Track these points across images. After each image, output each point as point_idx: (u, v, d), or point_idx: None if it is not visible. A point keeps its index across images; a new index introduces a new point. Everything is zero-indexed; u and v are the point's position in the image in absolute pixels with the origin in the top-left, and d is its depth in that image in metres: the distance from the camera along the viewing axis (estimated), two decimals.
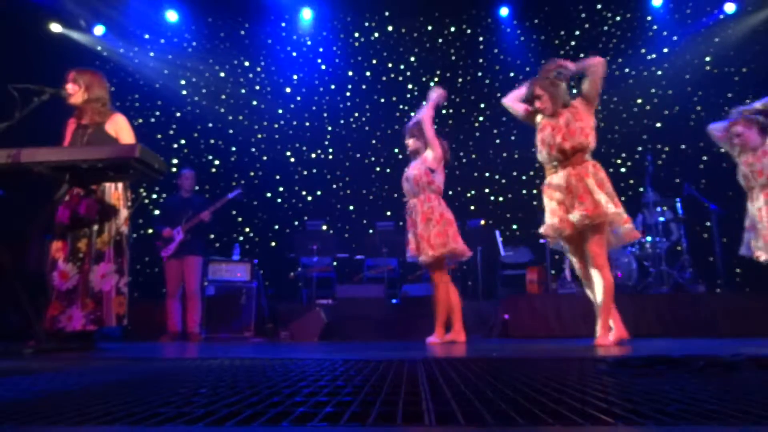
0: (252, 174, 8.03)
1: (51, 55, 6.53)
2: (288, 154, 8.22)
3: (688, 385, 1.09)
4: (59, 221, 3.14)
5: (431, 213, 3.86)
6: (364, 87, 8.29)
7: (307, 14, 8.17)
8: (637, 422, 0.73)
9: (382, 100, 8.23)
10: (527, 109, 3.46)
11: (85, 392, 1.11)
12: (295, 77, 8.29)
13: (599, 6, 8.01)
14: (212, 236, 6.94)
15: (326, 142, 8.30)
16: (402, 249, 4.15)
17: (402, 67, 8.34)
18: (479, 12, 8.30)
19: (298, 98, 8.26)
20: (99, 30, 7.58)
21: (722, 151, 4.29)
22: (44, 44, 6.82)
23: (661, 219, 5.91)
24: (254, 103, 8.22)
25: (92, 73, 3.38)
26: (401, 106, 8.23)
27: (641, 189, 6.38)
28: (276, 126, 8.24)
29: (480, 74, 8.32)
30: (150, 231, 6.84)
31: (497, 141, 8.02)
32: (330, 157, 8.28)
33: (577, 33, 8.13)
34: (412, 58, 8.33)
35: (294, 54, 8.33)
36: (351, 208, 8.04)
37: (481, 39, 8.34)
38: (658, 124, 7.51)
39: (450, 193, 4.07)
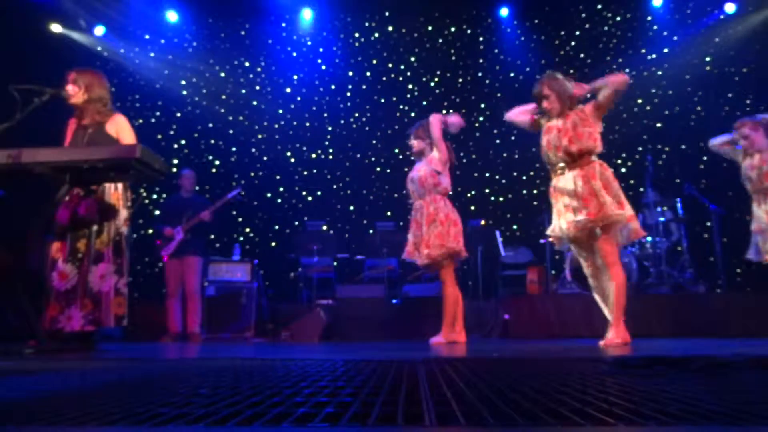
0: (252, 174, 8.03)
1: (51, 56, 6.52)
2: (288, 154, 8.22)
3: (688, 385, 1.09)
4: (59, 221, 3.14)
5: (436, 214, 3.86)
6: (364, 87, 8.29)
7: (307, 14, 8.17)
8: (637, 422, 0.73)
9: (382, 100, 8.23)
10: (533, 118, 3.45)
11: (86, 393, 1.11)
12: (295, 77, 8.29)
13: (599, 6, 8.01)
14: (212, 236, 6.94)
15: (326, 142, 8.30)
16: (401, 249, 4.15)
17: (402, 67, 8.34)
18: (479, 12, 8.29)
19: (299, 98, 8.26)
20: (99, 30, 7.58)
21: (721, 137, 4.29)
22: (44, 45, 6.82)
23: (662, 219, 5.90)
24: (254, 103, 8.22)
25: (93, 74, 3.38)
26: (401, 106, 8.23)
27: (641, 189, 6.38)
28: (276, 126, 8.24)
29: (480, 74, 8.32)
30: (150, 231, 6.84)
31: (497, 141, 8.01)
32: (330, 157, 8.28)
33: (577, 33, 8.12)
34: (412, 58, 8.33)
35: (294, 54, 8.33)
36: (351, 208, 8.04)
37: (481, 39, 8.34)
38: (659, 125, 7.50)
39: (450, 193, 4.07)
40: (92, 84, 3.32)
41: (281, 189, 8.15)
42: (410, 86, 8.35)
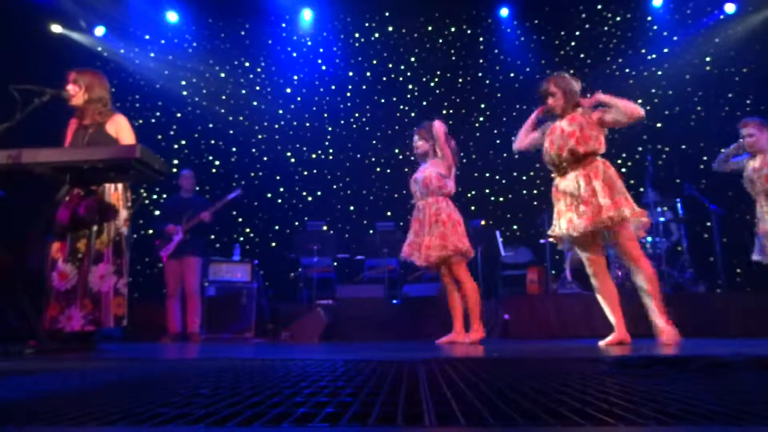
0: (252, 174, 8.03)
1: (51, 56, 6.53)
2: (288, 154, 8.22)
3: (688, 385, 1.09)
4: (59, 221, 3.14)
5: (438, 215, 3.87)
6: (364, 87, 8.29)
7: (307, 15, 8.17)
8: (637, 422, 0.73)
9: (383, 101, 8.23)
10: (540, 135, 3.42)
11: (86, 393, 1.11)
12: (295, 77, 8.29)
13: (599, 6, 8.01)
14: (212, 236, 6.95)
15: (326, 143, 8.30)
16: (401, 249, 4.15)
17: (402, 67, 8.34)
18: (479, 12, 8.30)
19: (299, 98, 8.27)
20: (99, 31, 7.59)
21: (722, 151, 4.32)
22: (44, 45, 6.82)
23: (662, 219, 5.91)
24: (254, 103, 8.22)
25: (93, 74, 3.38)
26: (401, 106, 8.23)
27: (641, 189, 6.38)
28: (276, 126, 8.24)
29: (480, 74, 8.32)
30: (150, 231, 6.84)
31: (497, 141, 8.01)
32: (330, 157, 8.28)
33: (577, 33, 8.13)
34: (412, 58, 8.33)
35: (294, 54, 8.33)
36: (351, 208, 8.04)
37: (481, 39, 8.34)
38: (659, 125, 7.50)
39: (452, 194, 4.07)
40: (92, 84, 3.32)
41: (281, 189, 8.16)
42: (410, 86, 8.36)
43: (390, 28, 8.39)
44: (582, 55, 8.04)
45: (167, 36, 8.02)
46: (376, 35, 8.43)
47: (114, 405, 0.92)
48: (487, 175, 7.94)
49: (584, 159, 3.16)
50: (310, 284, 6.35)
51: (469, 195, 7.60)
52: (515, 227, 7.70)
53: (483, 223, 6.81)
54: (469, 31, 8.37)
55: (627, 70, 7.74)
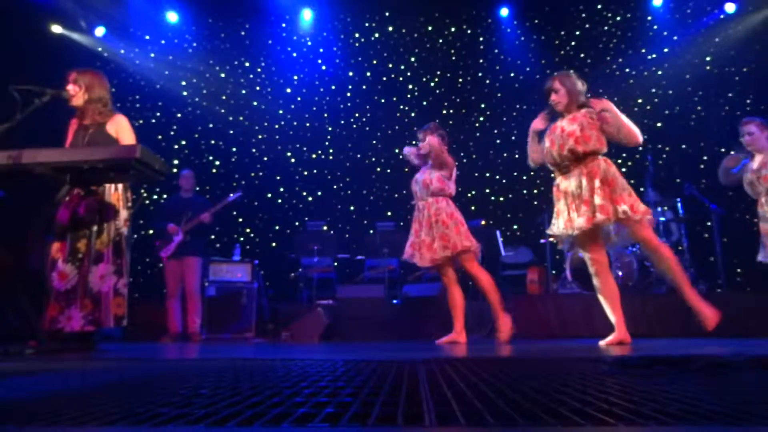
0: (252, 174, 8.03)
1: (51, 56, 6.53)
2: (288, 154, 8.23)
3: (688, 385, 1.09)
4: (59, 221, 3.14)
5: (438, 215, 3.87)
6: (364, 87, 8.29)
7: (307, 15, 8.17)
8: (638, 422, 0.73)
9: (383, 100, 8.23)
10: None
11: (86, 393, 1.11)
12: (295, 78, 8.29)
13: (599, 6, 8.01)
14: (213, 237, 6.95)
15: (326, 143, 8.30)
16: (402, 249, 4.16)
17: (402, 67, 8.34)
18: (479, 12, 8.30)
19: (299, 99, 8.27)
20: (99, 31, 7.59)
21: (722, 150, 4.33)
22: (44, 45, 6.82)
23: (662, 219, 5.90)
24: (255, 103, 8.22)
25: (93, 74, 3.38)
26: (401, 106, 8.23)
27: (642, 189, 6.38)
28: (276, 126, 8.24)
29: (480, 74, 8.32)
30: (150, 231, 6.84)
31: (497, 141, 8.02)
32: (330, 157, 8.28)
33: (578, 33, 8.12)
34: (412, 58, 8.33)
35: (294, 54, 8.33)
36: (351, 208, 8.04)
37: (481, 39, 8.34)
38: (659, 124, 7.50)
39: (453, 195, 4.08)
40: (93, 84, 3.32)
41: (281, 189, 8.16)
42: (410, 86, 8.35)
43: (390, 28, 8.39)
44: (582, 55, 8.04)
45: (167, 36, 8.02)
46: (376, 35, 8.43)
47: (114, 405, 0.92)
48: (487, 175, 7.93)
49: (585, 158, 3.16)
50: (311, 284, 6.35)
51: (469, 195, 7.60)
52: (515, 227, 7.70)
53: (483, 223, 6.81)
54: (469, 31, 8.37)
55: (627, 70, 7.74)
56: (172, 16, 7.91)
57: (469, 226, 4.03)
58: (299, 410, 0.84)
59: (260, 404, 0.90)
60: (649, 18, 7.89)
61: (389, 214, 7.69)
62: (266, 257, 7.21)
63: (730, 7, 7.31)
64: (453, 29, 8.34)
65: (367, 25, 8.42)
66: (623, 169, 7.34)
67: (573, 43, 8.13)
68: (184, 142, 8.00)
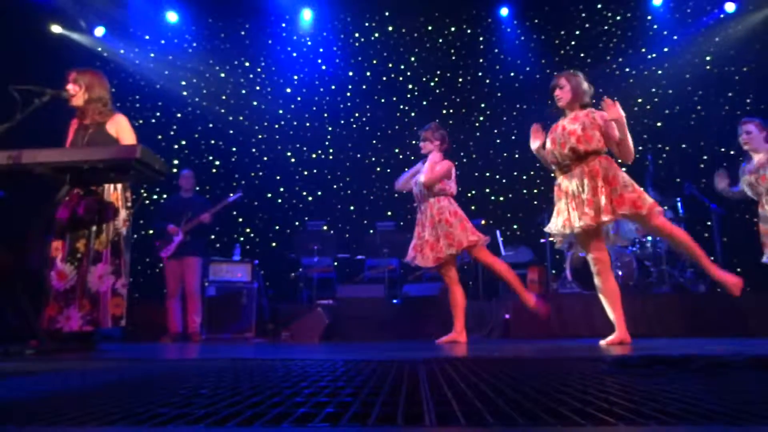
0: (252, 174, 8.03)
1: (51, 56, 6.53)
2: (288, 154, 8.23)
3: (688, 384, 1.09)
4: (58, 220, 3.13)
5: (441, 214, 3.88)
6: (364, 87, 8.29)
7: (307, 15, 8.17)
8: (638, 422, 0.73)
9: (382, 100, 8.23)
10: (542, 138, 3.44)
11: (86, 393, 1.11)
12: (295, 77, 8.29)
13: (599, 5, 8.01)
14: (213, 237, 6.95)
15: (326, 143, 8.30)
16: (402, 249, 4.16)
17: (402, 67, 8.34)
18: (479, 12, 8.30)
19: (299, 98, 8.27)
20: (99, 31, 7.59)
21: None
22: (44, 45, 6.82)
23: None
24: (254, 103, 8.22)
25: (93, 73, 3.38)
26: (401, 106, 8.23)
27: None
28: (276, 126, 8.24)
29: (480, 74, 8.32)
30: (150, 231, 6.84)
31: (497, 141, 8.02)
32: (330, 157, 8.28)
33: (577, 33, 8.12)
34: (412, 58, 8.33)
35: (294, 54, 8.33)
36: (351, 208, 8.04)
37: (481, 39, 8.34)
38: (659, 124, 7.50)
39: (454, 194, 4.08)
40: (93, 84, 3.31)
41: (281, 189, 8.15)
42: (410, 86, 8.35)
43: (390, 28, 8.39)
44: (582, 55, 8.04)
45: (167, 36, 8.02)
46: (376, 35, 8.43)
47: (114, 405, 0.92)
48: (487, 174, 7.93)
49: (586, 157, 3.16)
50: (311, 284, 6.36)
51: (469, 195, 7.59)
52: (515, 227, 7.70)
53: (483, 222, 6.80)
54: (469, 31, 8.37)
55: (627, 70, 7.74)
56: (171, 16, 7.91)
57: None
58: (299, 410, 0.84)
59: (260, 404, 0.90)
60: (649, 17, 7.89)
61: (389, 214, 7.69)
62: (266, 257, 7.22)
63: (730, 7, 7.31)
64: (453, 29, 8.34)
65: (367, 25, 8.42)
66: (623, 169, 7.37)
67: (573, 43, 8.13)
68: (184, 142, 8.00)
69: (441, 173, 3.92)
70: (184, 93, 8.05)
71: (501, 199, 7.88)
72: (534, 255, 6.84)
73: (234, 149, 8.14)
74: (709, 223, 6.40)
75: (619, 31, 7.99)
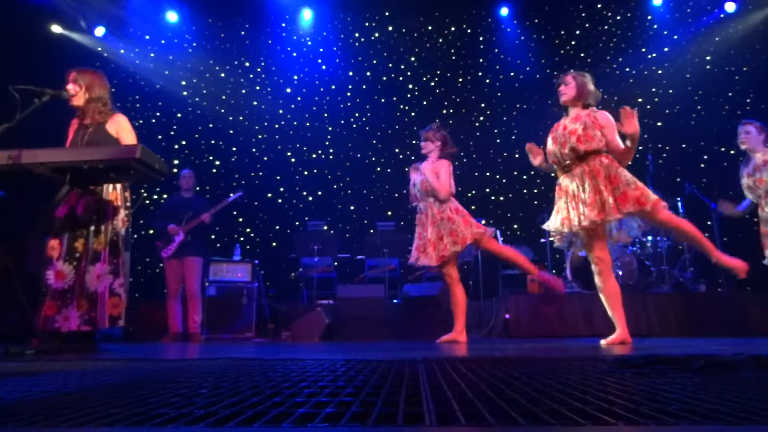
0: (252, 174, 8.03)
1: (51, 56, 6.53)
2: (288, 154, 8.23)
3: (689, 384, 1.09)
4: (57, 219, 3.13)
5: (443, 212, 3.88)
6: (364, 87, 8.29)
7: (307, 15, 8.17)
8: (638, 422, 0.73)
9: (383, 100, 8.23)
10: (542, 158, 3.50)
11: (86, 393, 1.11)
12: (295, 77, 8.29)
13: (599, 5, 8.01)
14: (213, 237, 6.95)
15: (327, 143, 8.31)
16: (402, 249, 4.17)
17: (402, 67, 8.34)
18: (479, 12, 8.30)
19: (299, 98, 8.27)
20: (99, 31, 7.59)
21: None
22: (44, 45, 6.82)
23: None
24: (255, 103, 8.22)
25: (93, 73, 3.37)
26: (401, 106, 8.23)
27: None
28: (276, 126, 8.24)
29: (480, 74, 8.32)
30: (151, 231, 6.85)
31: (497, 141, 8.02)
32: (330, 157, 8.28)
33: (577, 32, 8.13)
34: (412, 58, 8.33)
35: (294, 54, 8.34)
36: (352, 208, 8.04)
37: (481, 39, 8.35)
38: (659, 123, 7.50)
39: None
40: (93, 84, 3.31)
41: (282, 189, 8.16)
42: (410, 86, 8.36)
43: (390, 28, 8.39)
44: (582, 54, 8.04)
45: (167, 36, 8.02)
46: (376, 35, 8.43)
47: (114, 405, 0.92)
48: (487, 174, 7.94)
49: (587, 157, 3.17)
50: (311, 284, 6.36)
51: (469, 195, 7.60)
52: (515, 226, 7.70)
53: (483, 222, 6.80)
54: (469, 31, 8.38)
55: (627, 69, 7.74)
56: (171, 16, 7.92)
57: None
58: (299, 410, 0.84)
59: (260, 404, 0.90)
60: (649, 17, 7.90)
61: (389, 214, 7.69)
62: (266, 257, 7.22)
63: (730, 7, 7.31)
64: (453, 29, 8.34)
65: (367, 24, 8.42)
66: None
67: (573, 43, 8.13)
68: (184, 142, 8.00)
69: (448, 179, 3.94)
70: (184, 93, 8.06)
71: (501, 199, 7.88)
72: (534, 255, 6.84)
73: (234, 149, 8.15)
74: (709, 222, 6.40)
75: (619, 30, 7.99)
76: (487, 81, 8.29)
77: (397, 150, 8.09)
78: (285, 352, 2.64)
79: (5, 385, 1.30)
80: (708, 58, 7.49)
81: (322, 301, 5.97)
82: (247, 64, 8.28)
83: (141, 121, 7.54)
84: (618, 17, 8.01)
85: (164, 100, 7.97)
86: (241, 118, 8.14)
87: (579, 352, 2.25)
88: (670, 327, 4.78)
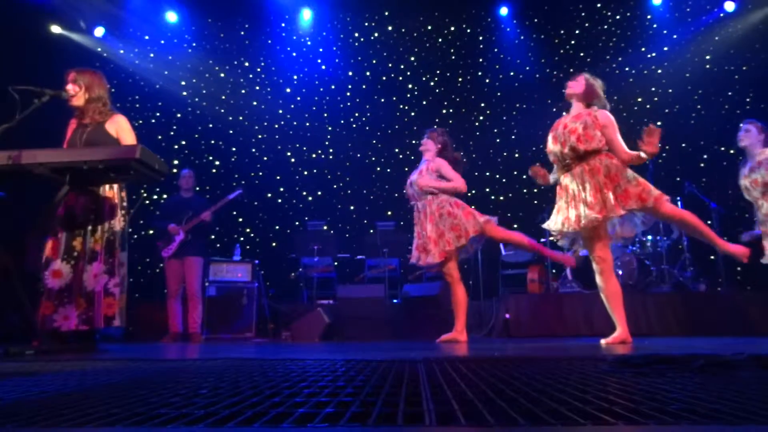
0: (252, 174, 8.03)
1: (51, 56, 6.53)
2: (288, 154, 8.23)
3: (689, 384, 1.09)
4: (56, 217, 3.12)
5: (442, 208, 3.88)
6: (364, 87, 8.29)
7: (306, 14, 8.17)
8: (638, 421, 0.73)
9: (382, 100, 8.23)
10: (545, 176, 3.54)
11: (86, 393, 1.11)
12: (295, 77, 8.29)
13: (599, 5, 8.01)
14: (213, 237, 6.95)
15: (326, 142, 8.31)
16: (402, 249, 4.17)
17: (402, 67, 8.34)
18: (479, 11, 8.30)
19: (298, 98, 8.27)
20: (99, 31, 7.59)
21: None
22: (44, 46, 6.82)
23: None
24: (254, 103, 8.22)
25: (92, 73, 3.37)
26: (401, 106, 8.23)
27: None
28: (276, 126, 8.24)
29: (480, 74, 8.32)
30: (151, 231, 6.84)
31: (497, 140, 8.02)
32: (330, 157, 8.28)
33: (577, 32, 8.13)
34: (412, 58, 8.33)
35: (294, 54, 8.34)
36: (351, 208, 8.04)
37: (480, 38, 8.35)
38: (659, 123, 7.45)
39: None
40: (92, 84, 3.31)
41: (281, 189, 8.16)
42: (410, 86, 8.35)
43: (390, 28, 8.39)
44: (582, 54, 8.04)
45: (167, 36, 8.02)
46: (376, 35, 8.43)
47: (114, 405, 0.92)
48: (487, 174, 7.93)
49: (586, 156, 3.17)
50: (311, 284, 6.36)
51: (469, 194, 7.56)
52: (516, 226, 7.68)
53: None
54: (468, 31, 8.38)
55: (627, 69, 7.74)
56: (171, 16, 7.92)
57: None
58: (299, 410, 0.84)
59: (260, 404, 0.90)
60: (649, 17, 7.89)
61: (389, 213, 7.69)
62: (266, 257, 7.22)
63: (729, 6, 7.31)
64: (452, 28, 8.34)
65: (366, 24, 8.42)
66: None
67: (572, 42, 8.13)
68: (184, 142, 8.00)
69: (455, 173, 3.95)
70: (184, 93, 8.06)
71: (501, 198, 7.88)
72: (534, 254, 6.84)
73: (234, 149, 8.15)
74: (709, 222, 6.39)
75: (618, 30, 7.99)
76: (487, 81, 8.29)
77: (397, 150, 8.09)
78: (285, 352, 2.64)
79: (5, 385, 1.30)
80: (708, 57, 7.49)
81: (322, 301, 5.97)
82: (246, 64, 8.28)
83: (141, 122, 7.54)
84: (617, 17, 8.01)
85: (164, 100, 7.97)
86: (240, 118, 8.14)
87: (579, 352, 2.25)
88: (670, 326, 4.77)
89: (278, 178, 8.10)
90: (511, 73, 8.15)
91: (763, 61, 7.09)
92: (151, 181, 3.06)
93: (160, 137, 7.72)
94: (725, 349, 2.20)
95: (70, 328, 2.99)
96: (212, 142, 8.13)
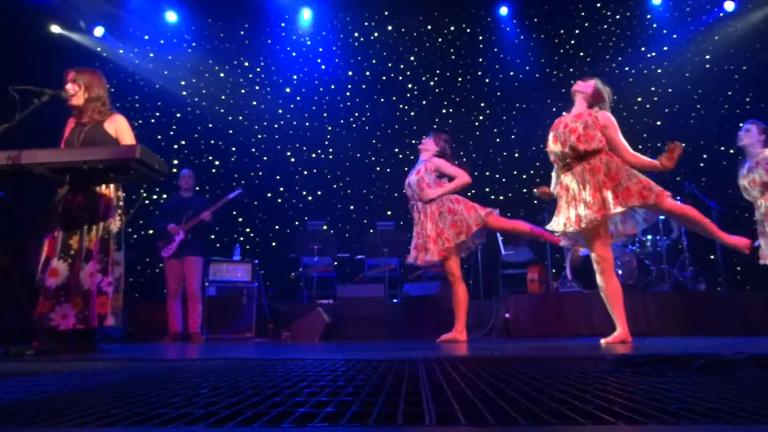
0: (252, 174, 8.03)
1: (51, 57, 6.53)
2: (288, 154, 8.23)
3: (689, 383, 1.09)
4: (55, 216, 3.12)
5: (442, 206, 3.88)
6: (364, 87, 8.29)
7: (306, 14, 8.17)
8: (638, 421, 0.73)
9: (382, 100, 8.23)
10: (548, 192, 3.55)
11: (86, 393, 1.11)
12: (295, 77, 8.29)
13: (599, 4, 8.01)
14: (213, 237, 6.95)
15: (326, 142, 8.31)
16: (402, 249, 4.17)
17: (402, 66, 8.34)
18: (479, 11, 8.30)
19: (298, 98, 8.27)
20: (99, 31, 7.59)
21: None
22: (44, 45, 6.82)
23: (662, 217, 5.89)
24: (254, 103, 8.22)
25: (92, 73, 3.37)
26: (401, 106, 8.22)
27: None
28: (276, 126, 8.24)
29: (480, 73, 8.32)
30: (151, 231, 6.84)
31: (497, 140, 8.02)
32: (330, 157, 8.28)
33: (577, 32, 8.12)
34: (412, 58, 8.33)
35: (294, 54, 8.33)
36: (351, 207, 8.04)
37: (480, 38, 8.35)
38: (659, 123, 7.50)
39: None
40: (91, 83, 3.31)
41: (281, 189, 8.16)
42: (410, 86, 8.35)
43: (390, 28, 8.39)
44: (581, 54, 8.04)
45: (167, 36, 8.02)
46: (376, 34, 8.43)
47: (114, 405, 0.92)
48: (487, 174, 7.93)
49: (586, 156, 3.18)
50: (311, 284, 6.36)
51: (468, 194, 7.57)
52: None
53: None
54: (468, 30, 8.38)
55: (627, 68, 7.74)
56: (171, 16, 7.92)
57: None
58: (299, 410, 0.84)
59: (260, 404, 0.90)
60: (649, 16, 7.90)
61: (389, 213, 7.69)
62: (266, 257, 7.22)
63: (729, 6, 7.31)
64: (452, 28, 8.34)
65: (366, 24, 8.42)
66: None
67: (572, 42, 8.13)
68: (184, 142, 8.00)
69: (456, 168, 3.95)
70: (184, 93, 8.05)
71: (501, 198, 7.88)
72: (534, 254, 6.84)
73: (234, 149, 8.15)
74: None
75: (618, 30, 7.99)
76: (487, 80, 8.28)
77: (396, 150, 8.09)
78: (285, 352, 2.64)
79: (5, 385, 1.30)
80: (707, 57, 7.49)
81: (322, 301, 5.97)
82: (246, 64, 8.28)
83: (140, 121, 7.54)
84: (617, 16, 8.01)
85: (163, 100, 7.97)
86: (240, 118, 8.14)
87: (579, 352, 2.25)
88: (670, 326, 4.77)
89: (278, 178, 8.10)
90: (511, 73, 8.15)
91: (763, 61, 7.09)
92: (150, 181, 3.05)
93: (159, 137, 7.72)
94: (725, 348, 2.20)
95: (68, 327, 2.99)
96: (212, 142, 8.13)
